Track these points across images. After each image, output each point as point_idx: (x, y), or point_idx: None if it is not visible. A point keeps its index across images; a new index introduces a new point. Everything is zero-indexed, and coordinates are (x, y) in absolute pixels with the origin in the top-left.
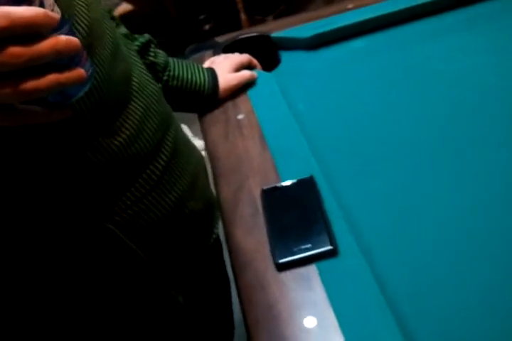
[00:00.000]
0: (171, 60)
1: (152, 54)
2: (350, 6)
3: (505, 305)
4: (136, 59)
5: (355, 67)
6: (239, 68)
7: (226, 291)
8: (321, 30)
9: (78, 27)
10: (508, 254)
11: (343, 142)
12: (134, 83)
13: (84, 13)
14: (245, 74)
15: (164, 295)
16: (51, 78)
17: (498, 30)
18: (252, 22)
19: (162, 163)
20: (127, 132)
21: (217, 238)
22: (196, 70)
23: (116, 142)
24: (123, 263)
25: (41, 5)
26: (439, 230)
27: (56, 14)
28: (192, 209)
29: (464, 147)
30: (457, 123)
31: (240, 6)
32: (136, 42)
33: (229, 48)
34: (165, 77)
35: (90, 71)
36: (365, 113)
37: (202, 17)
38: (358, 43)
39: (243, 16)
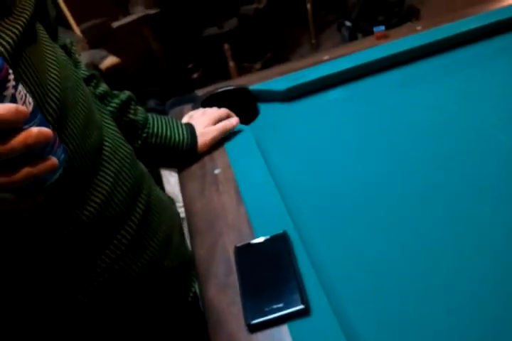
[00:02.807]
0: (150, 116)
1: (132, 111)
2: (326, 57)
3: None
4: (110, 122)
5: (332, 118)
6: (217, 123)
7: None
8: (297, 83)
9: (50, 101)
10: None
11: (318, 195)
12: (107, 148)
13: (57, 86)
14: (223, 125)
15: None
16: (25, 171)
17: (472, 76)
18: (241, 69)
19: (133, 226)
20: (97, 200)
21: (196, 296)
22: (175, 127)
23: (86, 212)
24: (95, 327)
25: (13, 99)
26: (416, 287)
27: (26, 108)
28: (166, 269)
29: (443, 198)
30: (436, 174)
31: (228, 54)
32: (116, 100)
33: (208, 101)
34: (144, 134)
35: (62, 157)
36: (342, 165)
37: (190, 66)
38: (334, 94)
39: (231, 64)
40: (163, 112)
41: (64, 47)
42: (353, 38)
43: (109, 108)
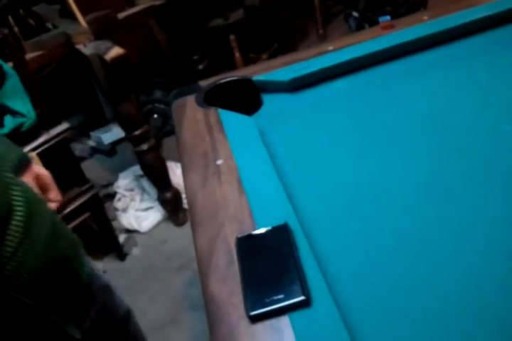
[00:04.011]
0: None
1: None
2: (330, 47)
3: None
4: None
5: (336, 109)
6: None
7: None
8: (300, 73)
9: None
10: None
11: (322, 187)
12: None
13: None
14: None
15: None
16: None
17: (477, 66)
18: (247, 60)
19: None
20: None
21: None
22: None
23: None
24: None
25: None
26: (420, 280)
27: None
28: (62, 251)
29: (449, 188)
30: (441, 163)
31: (234, 44)
32: None
33: (211, 92)
34: None
35: None
36: (346, 156)
37: (196, 57)
38: (339, 84)
39: (237, 55)
40: (169, 103)
41: None
42: (360, 28)
43: None
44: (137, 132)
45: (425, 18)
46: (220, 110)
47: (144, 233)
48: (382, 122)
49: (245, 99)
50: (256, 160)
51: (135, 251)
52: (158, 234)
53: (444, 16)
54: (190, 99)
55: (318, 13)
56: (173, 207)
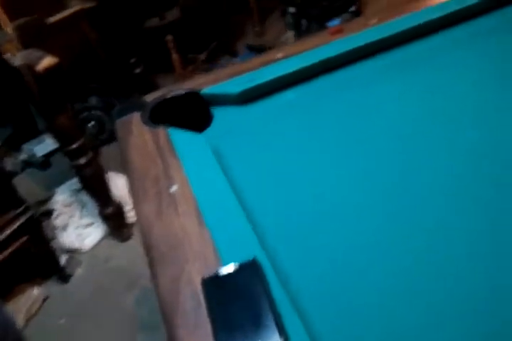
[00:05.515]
0: None
1: None
2: (279, 55)
3: None
4: None
5: (289, 121)
6: None
7: None
8: (250, 85)
9: None
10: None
11: (286, 210)
12: None
13: None
14: None
15: None
16: None
17: (431, 72)
18: (185, 61)
19: None
20: None
21: None
22: None
23: None
24: None
25: None
26: (400, 311)
27: None
28: None
29: (418, 204)
30: (406, 174)
31: (171, 45)
32: None
33: (157, 108)
34: None
35: None
36: (305, 174)
37: (132, 60)
38: (290, 94)
39: (175, 56)
40: (105, 109)
41: None
42: (297, 24)
43: None
44: (74, 145)
45: (374, 21)
46: (169, 129)
47: (86, 252)
48: (337, 132)
49: (194, 113)
50: (213, 185)
51: (78, 272)
52: (102, 251)
53: (391, 20)
54: (136, 117)
55: (255, 9)
56: (116, 222)
